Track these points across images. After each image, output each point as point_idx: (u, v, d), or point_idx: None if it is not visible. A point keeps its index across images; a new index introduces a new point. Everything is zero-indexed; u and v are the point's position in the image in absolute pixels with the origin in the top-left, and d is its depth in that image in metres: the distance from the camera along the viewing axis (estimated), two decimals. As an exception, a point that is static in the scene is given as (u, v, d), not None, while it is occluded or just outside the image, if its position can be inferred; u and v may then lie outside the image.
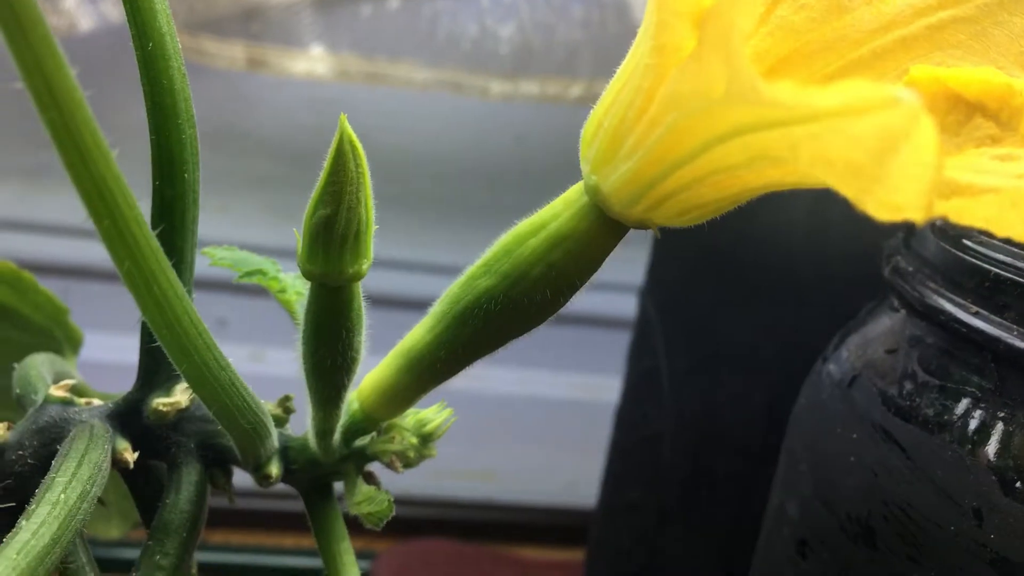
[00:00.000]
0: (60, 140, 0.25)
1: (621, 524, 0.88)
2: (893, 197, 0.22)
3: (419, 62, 1.19)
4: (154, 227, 0.40)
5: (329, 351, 0.38)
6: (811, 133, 0.24)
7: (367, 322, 0.39)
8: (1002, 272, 0.42)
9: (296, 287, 0.45)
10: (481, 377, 1.39)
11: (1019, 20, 0.32)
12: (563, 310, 0.37)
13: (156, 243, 0.29)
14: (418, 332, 0.39)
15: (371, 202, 0.35)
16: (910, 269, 0.47)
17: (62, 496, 0.35)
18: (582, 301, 0.38)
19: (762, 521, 0.60)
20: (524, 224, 0.36)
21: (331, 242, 0.35)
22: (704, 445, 0.79)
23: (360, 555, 0.43)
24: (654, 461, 0.83)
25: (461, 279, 0.38)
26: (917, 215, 0.22)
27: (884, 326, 0.50)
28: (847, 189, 0.24)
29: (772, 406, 0.75)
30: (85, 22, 0.96)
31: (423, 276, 1.36)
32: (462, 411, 0.44)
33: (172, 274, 0.30)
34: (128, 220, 0.27)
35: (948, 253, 0.46)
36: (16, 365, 0.52)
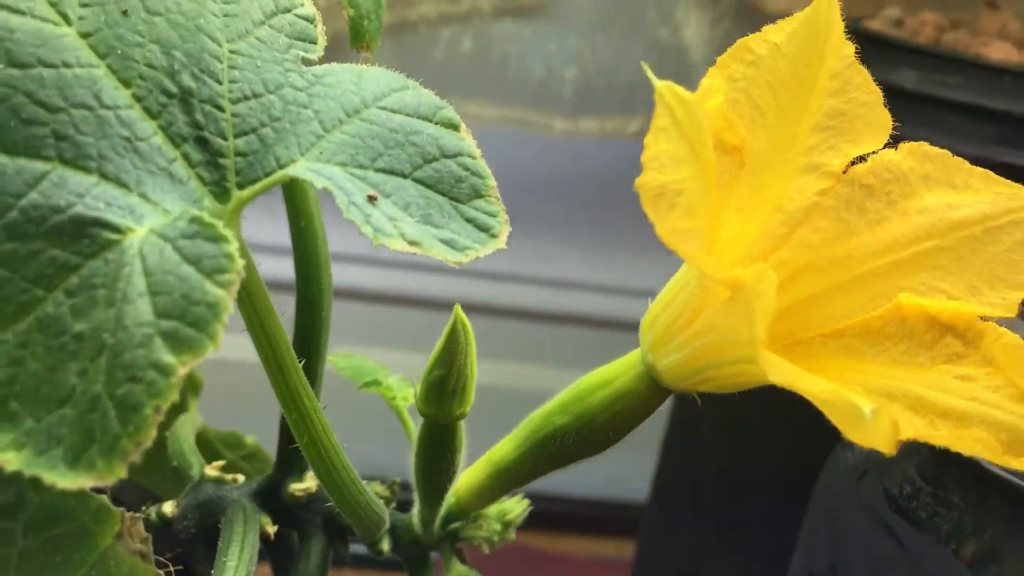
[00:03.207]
0: (272, 371, 0.36)
1: (666, 547, 0.98)
2: (869, 441, 0.32)
3: (488, 101, 1.28)
4: (299, 355, 0.51)
5: (436, 468, 0.48)
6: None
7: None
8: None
9: (403, 393, 0.55)
10: (536, 378, 1.49)
11: (990, 250, 0.41)
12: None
13: (324, 419, 0.39)
14: (505, 448, 0.49)
15: (475, 362, 0.45)
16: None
17: (233, 578, 0.46)
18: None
19: (788, 565, 0.70)
20: (594, 376, 0.46)
21: (444, 394, 0.45)
22: (740, 485, 0.88)
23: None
24: (695, 494, 0.93)
25: (541, 412, 0.48)
26: (887, 451, 0.32)
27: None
28: (835, 421, 0.33)
29: (802, 454, 0.84)
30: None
31: (479, 282, 1.46)
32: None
33: (332, 436, 0.40)
34: (310, 412, 0.38)
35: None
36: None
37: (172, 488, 0.60)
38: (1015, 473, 0.50)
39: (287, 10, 0.38)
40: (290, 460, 0.55)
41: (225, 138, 0.33)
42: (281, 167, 0.34)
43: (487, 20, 1.26)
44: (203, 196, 0.32)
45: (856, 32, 0.83)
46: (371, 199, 0.33)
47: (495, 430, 0.51)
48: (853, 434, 0.32)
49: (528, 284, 1.47)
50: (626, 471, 1.27)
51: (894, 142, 0.82)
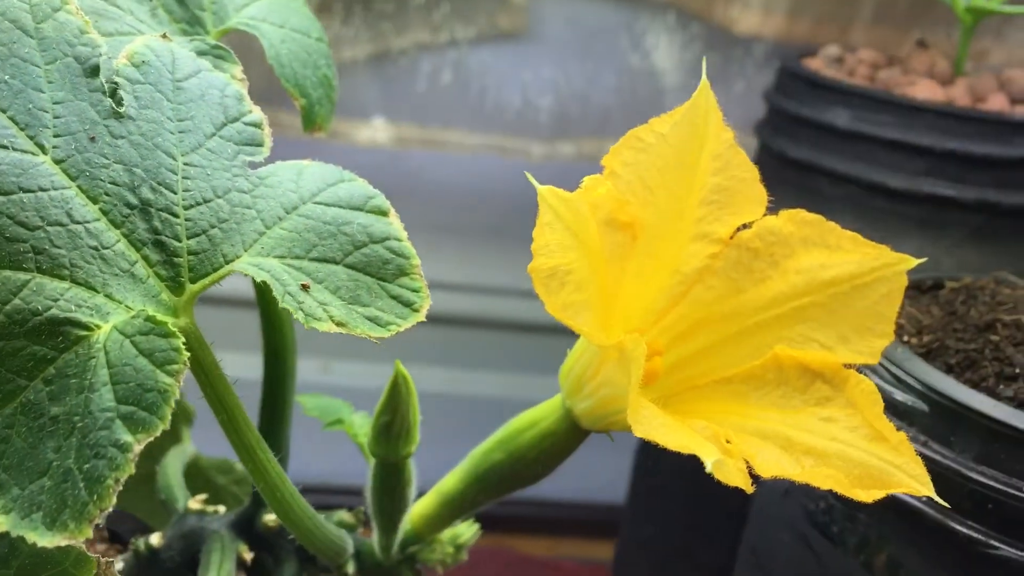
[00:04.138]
0: (229, 432, 0.42)
1: (640, 554, 1.05)
2: (727, 480, 0.38)
3: (469, 130, 1.34)
4: (266, 401, 0.57)
5: (388, 501, 0.54)
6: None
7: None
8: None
9: (364, 429, 0.62)
10: (531, 387, 1.55)
11: (859, 303, 0.47)
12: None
13: (278, 467, 0.45)
14: (452, 481, 0.55)
15: (417, 408, 0.52)
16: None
17: (210, 603, 0.52)
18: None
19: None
20: (524, 417, 0.52)
21: (390, 437, 0.51)
22: (696, 497, 0.94)
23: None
24: (661, 506, 0.99)
25: (482, 448, 0.54)
26: (745, 488, 0.38)
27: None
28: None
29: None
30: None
31: (474, 296, 1.52)
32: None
33: (286, 480, 0.46)
34: (264, 463, 0.44)
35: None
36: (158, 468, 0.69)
37: (164, 517, 0.66)
38: (912, 496, 0.55)
39: (236, 119, 0.44)
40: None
41: (179, 240, 0.39)
42: (227, 263, 0.40)
43: (466, 52, 1.32)
44: (161, 291, 0.39)
45: (794, 74, 0.89)
46: (304, 288, 0.39)
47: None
48: (716, 476, 0.38)
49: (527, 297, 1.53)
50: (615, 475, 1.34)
51: (832, 176, 0.88)
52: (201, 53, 0.46)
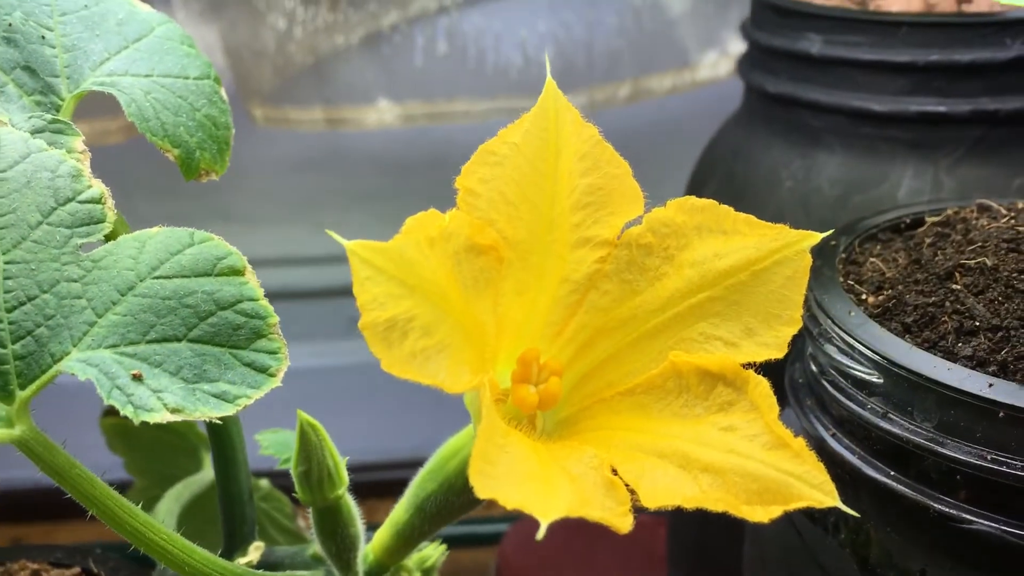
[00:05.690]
0: (104, 519, 0.41)
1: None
2: (606, 524, 0.35)
3: (474, 97, 1.31)
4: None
5: (332, 543, 0.53)
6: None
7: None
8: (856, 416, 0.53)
9: (324, 460, 0.60)
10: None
11: (762, 290, 0.43)
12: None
13: (183, 541, 0.45)
14: (399, 511, 0.54)
15: (335, 451, 0.50)
16: (808, 402, 0.57)
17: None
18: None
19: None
20: (449, 445, 0.50)
21: (311, 484, 0.50)
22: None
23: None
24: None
25: (419, 477, 0.52)
26: (621, 530, 0.36)
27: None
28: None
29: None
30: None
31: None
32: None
33: (198, 552, 0.45)
34: (160, 544, 0.43)
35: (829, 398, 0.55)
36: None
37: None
38: (881, 472, 0.51)
39: (69, 200, 0.42)
40: (235, 536, 0.61)
41: (4, 346, 0.38)
42: (56, 362, 0.38)
43: (457, 18, 1.28)
44: (-10, 404, 0.38)
45: (764, 2, 0.83)
46: (136, 377, 0.38)
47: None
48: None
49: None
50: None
51: (814, 108, 0.82)
52: (37, 131, 0.45)
